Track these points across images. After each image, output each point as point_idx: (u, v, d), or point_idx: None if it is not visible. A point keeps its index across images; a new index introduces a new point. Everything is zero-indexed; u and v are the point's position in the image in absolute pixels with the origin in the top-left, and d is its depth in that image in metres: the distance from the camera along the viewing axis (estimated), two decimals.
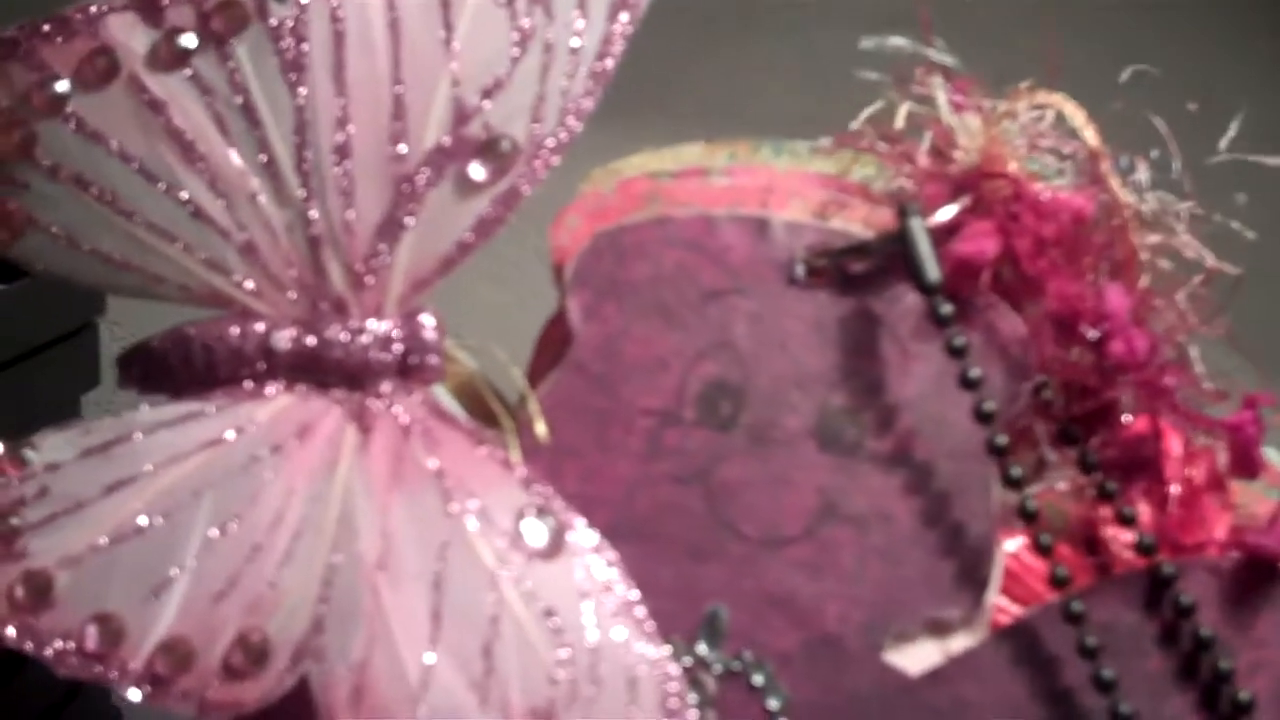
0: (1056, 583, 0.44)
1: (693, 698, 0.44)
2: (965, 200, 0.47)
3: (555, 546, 0.43)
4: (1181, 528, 0.45)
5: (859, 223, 0.47)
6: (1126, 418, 0.47)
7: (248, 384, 0.44)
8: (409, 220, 0.44)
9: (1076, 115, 0.48)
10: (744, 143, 0.49)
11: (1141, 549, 0.45)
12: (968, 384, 0.45)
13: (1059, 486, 0.47)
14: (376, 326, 0.44)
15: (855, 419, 0.46)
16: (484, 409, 0.46)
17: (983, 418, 0.45)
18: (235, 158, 0.43)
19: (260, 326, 0.44)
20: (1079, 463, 0.46)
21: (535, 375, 0.48)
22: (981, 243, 0.46)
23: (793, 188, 0.48)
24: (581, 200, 0.48)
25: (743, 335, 0.46)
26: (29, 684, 0.42)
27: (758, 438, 0.46)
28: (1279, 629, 0.44)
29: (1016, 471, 0.45)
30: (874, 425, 0.46)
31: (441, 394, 0.46)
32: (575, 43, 0.44)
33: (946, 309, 0.45)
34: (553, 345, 0.48)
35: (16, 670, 0.44)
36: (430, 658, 0.41)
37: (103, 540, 0.42)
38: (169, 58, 0.43)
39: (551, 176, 0.45)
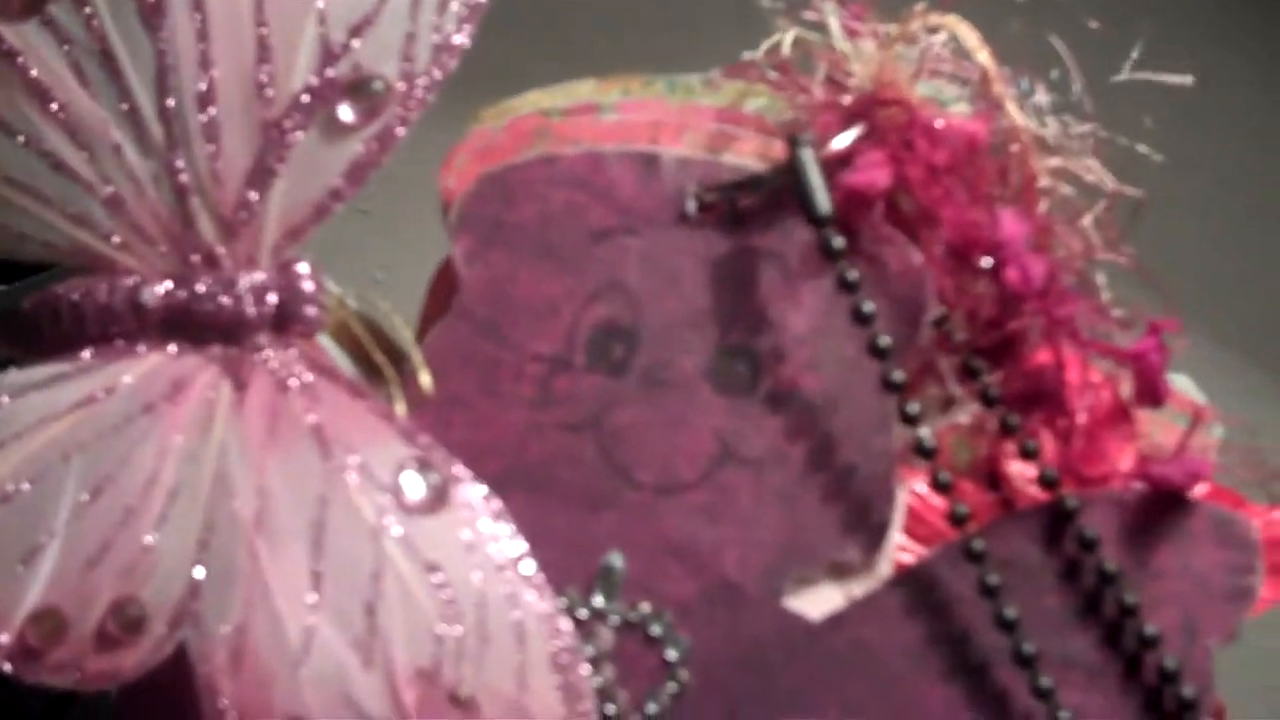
0: (955, 520, 0.43)
1: (588, 650, 0.42)
2: (859, 129, 0.45)
3: (438, 500, 0.41)
4: (1085, 460, 0.44)
5: (752, 156, 0.46)
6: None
7: (119, 342, 0.42)
8: (279, 166, 0.42)
9: (970, 37, 0.47)
10: (637, 78, 0.48)
11: (1044, 483, 0.44)
12: (860, 318, 0.43)
13: (961, 421, 0.45)
14: (249, 278, 0.42)
15: (750, 358, 0.44)
16: (371, 361, 0.45)
17: (877, 353, 0.43)
18: (96, 108, 0.42)
19: (129, 281, 0.42)
20: (979, 396, 0.45)
21: (427, 324, 0.46)
22: (873, 173, 0.44)
23: (684, 122, 0.47)
24: (470, 139, 0.47)
25: (634, 275, 0.45)
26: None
27: (651, 381, 0.44)
28: (1180, 560, 0.43)
29: (913, 408, 0.43)
30: (769, 365, 0.44)
31: (330, 347, 0.45)
32: None
33: (838, 242, 0.44)
34: (442, 293, 0.47)
35: None
36: (311, 618, 0.40)
37: None
38: (23, 5, 0.42)
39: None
